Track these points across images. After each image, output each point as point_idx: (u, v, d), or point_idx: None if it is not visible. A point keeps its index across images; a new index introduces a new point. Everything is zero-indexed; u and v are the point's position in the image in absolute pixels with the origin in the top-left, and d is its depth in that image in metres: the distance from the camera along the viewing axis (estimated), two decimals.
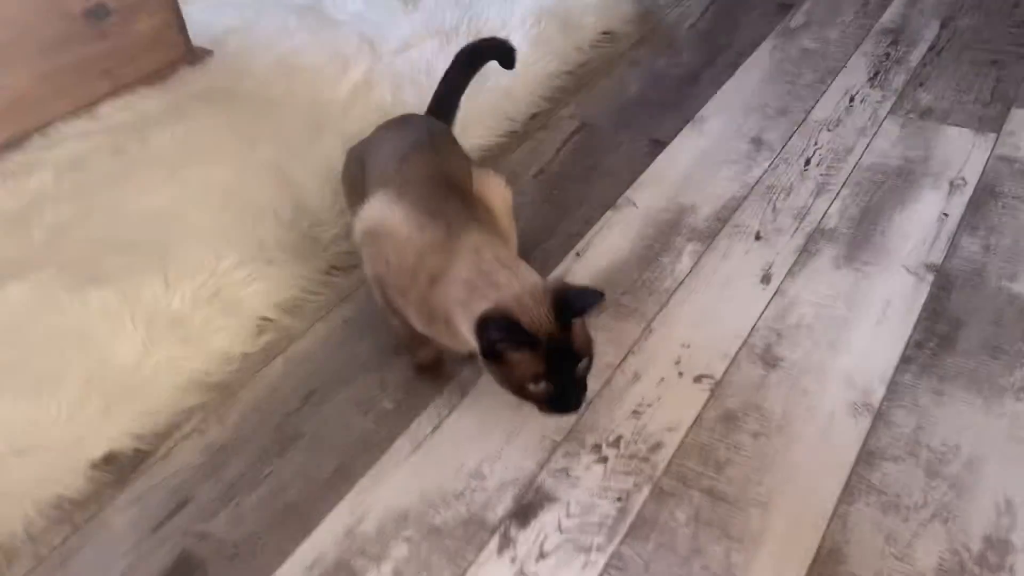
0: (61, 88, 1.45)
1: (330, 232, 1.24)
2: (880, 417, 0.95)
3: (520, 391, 0.86)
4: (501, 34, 1.61)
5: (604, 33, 1.73)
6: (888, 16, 1.73)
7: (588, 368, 0.88)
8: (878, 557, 0.82)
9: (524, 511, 0.90)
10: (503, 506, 0.90)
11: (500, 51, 1.24)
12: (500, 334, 0.83)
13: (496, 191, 1.00)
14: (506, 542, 0.87)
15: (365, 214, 0.97)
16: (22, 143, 1.41)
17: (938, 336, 1.04)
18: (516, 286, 0.85)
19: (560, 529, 0.88)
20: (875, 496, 0.87)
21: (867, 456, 0.91)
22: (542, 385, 0.84)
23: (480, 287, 0.86)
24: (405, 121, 1.13)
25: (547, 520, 0.89)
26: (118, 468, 0.98)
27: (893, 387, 0.98)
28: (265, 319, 1.14)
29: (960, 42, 1.62)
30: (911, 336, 1.04)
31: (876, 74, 1.55)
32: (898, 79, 1.53)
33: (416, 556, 0.87)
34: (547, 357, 0.83)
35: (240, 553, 0.88)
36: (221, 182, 1.29)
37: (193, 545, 0.90)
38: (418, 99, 1.37)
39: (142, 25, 1.55)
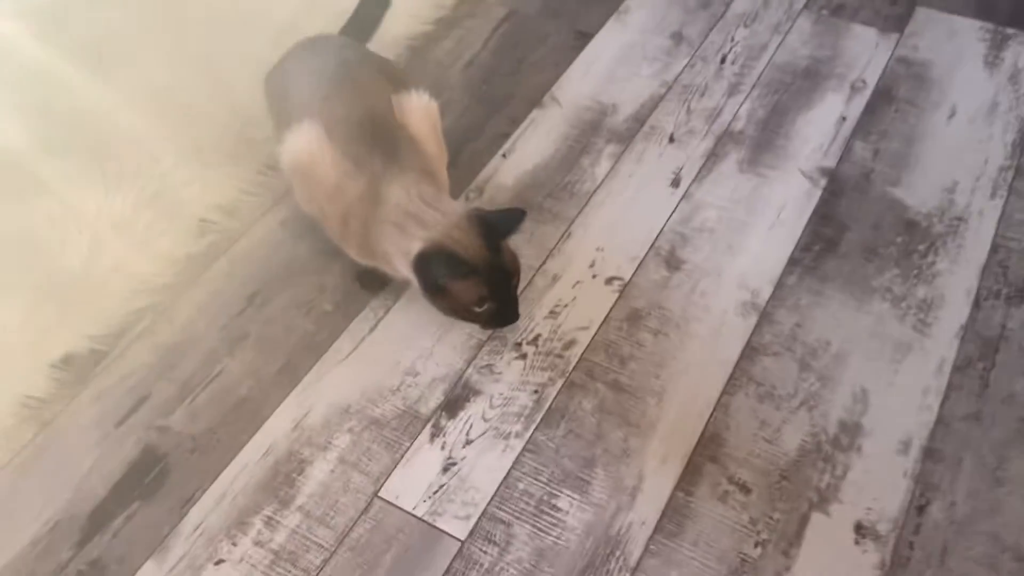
0: None
1: (263, 132, 1.27)
2: (765, 316, 1.09)
3: (465, 315, 0.96)
4: None
5: None
6: None
7: (517, 284, 0.98)
8: (751, 440, 0.98)
9: (453, 404, 1.02)
10: (434, 399, 1.03)
11: None
12: (442, 269, 0.91)
13: (418, 114, 1.05)
14: (437, 431, 1.00)
15: (292, 145, 1.01)
16: None
17: (823, 240, 1.16)
18: (444, 222, 0.93)
19: (484, 419, 1.01)
20: (753, 387, 1.02)
21: (750, 352, 1.05)
22: (486, 306, 0.94)
23: (411, 228, 0.93)
24: (323, 47, 1.12)
25: (473, 411, 1.02)
26: (77, 368, 1.06)
27: (779, 288, 1.11)
28: (205, 220, 1.20)
29: None
30: (799, 239, 1.16)
31: None
32: None
33: (358, 445, 0.99)
34: (487, 280, 0.93)
35: (199, 446, 0.99)
36: (151, 81, 1.30)
37: (155, 439, 1.01)
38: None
39: None
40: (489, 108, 1.36)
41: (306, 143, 1.01)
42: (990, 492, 0.92)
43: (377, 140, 1.00)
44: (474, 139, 1.31)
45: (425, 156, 1.03)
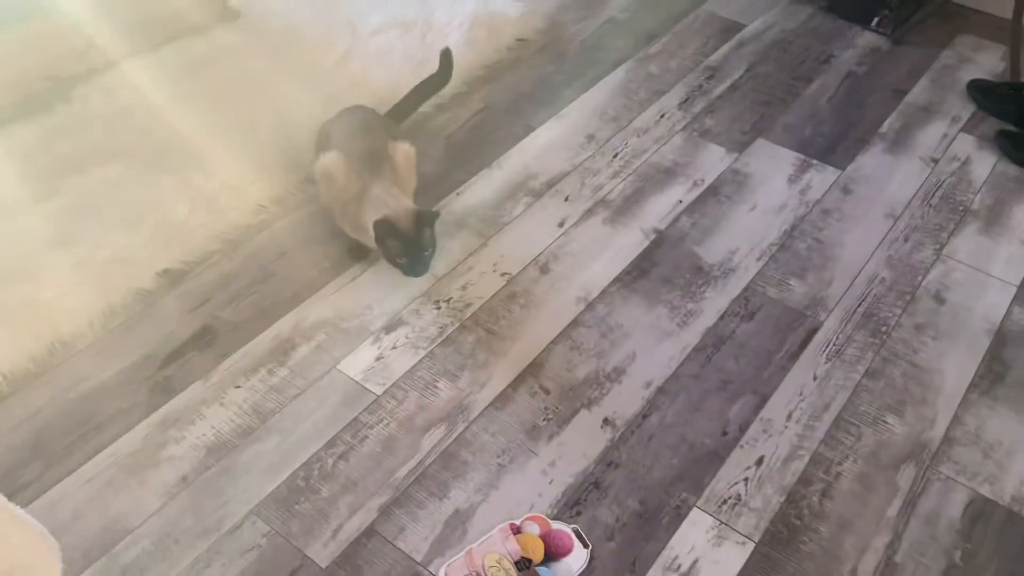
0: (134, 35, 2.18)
1: (306, 157, 2.00)
2: (589, 306, 1.76)
3: (392, 262, 1.65)
4: (445, 31, 2.37)
5: (518, 40, 2.47)
6: (716, 56, 2.47)
7: (431, 255, 1.67)
8: (559, 369, 1.63)
9: (390, 326, 1.70)
10: (380, 323, 1.70)
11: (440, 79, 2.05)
12: (384, 231, 1.62)
13: (401, 153, 1.78)
14: (377, 339, 1.67)
15: (325, 161, 1.74)
16: (107, 69, 2.14)
17: (639, 269, 1.84)
18: (396, 208, 1.64)
19: (406, 337, 1.68)
20: (569, 343, 1.68)
21: (574, 323, 1.72)
22: (403, 260, 1.64)
23: (379, 209, 1.64)
24: (354, 111, 1.86)
25: (401, 333, 1.69)
26: (170, 277, 1.76)
27: (603, 293, 1.78)
28: (262, 206, 1.92)
29: (753, 84, 2.38)
30: (625, 267, 1.84)
31: (686, 100, 2.31)
32: (699, 106, 2.29)
33: (330, 340, 1.67)
34: (407, 246, 1.63)
35: (236, 329, 1.68)
36: (243, 112, 2.04)
37: (210, 322, 1.69)
38: (380, 74, 2.13)
39: None
40: (457, 164, 2.07)
41: (331, 161, 1.73)
42: (689, 415, 1.57)
43: (372, 164, 1.72)
44: (441, 181, 2.02)
45: (400, 176, 1.74)
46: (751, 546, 1.39)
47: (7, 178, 1.86)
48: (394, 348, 1.66)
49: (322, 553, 1.35)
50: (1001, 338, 1.73)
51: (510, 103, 2.27)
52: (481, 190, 2.01)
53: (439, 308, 1.74)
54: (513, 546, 1.36)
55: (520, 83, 2.34)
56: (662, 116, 2.25)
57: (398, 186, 1.73)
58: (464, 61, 2.32)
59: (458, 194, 2.00)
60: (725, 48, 2.51)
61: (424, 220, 1.65)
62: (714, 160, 2.12)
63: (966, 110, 2.30)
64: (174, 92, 2.10)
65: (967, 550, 1.40)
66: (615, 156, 2.12)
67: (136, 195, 1.84)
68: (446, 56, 2.04)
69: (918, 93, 2.36)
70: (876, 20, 2.56)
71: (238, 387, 1.58)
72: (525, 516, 1.41)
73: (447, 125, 2.19)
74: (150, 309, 1.71)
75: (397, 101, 2.01)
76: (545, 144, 2.15)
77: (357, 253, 1.82)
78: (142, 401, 1.55)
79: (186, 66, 2.18)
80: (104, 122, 2.00)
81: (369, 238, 1.68)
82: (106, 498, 1.41)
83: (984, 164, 2.14)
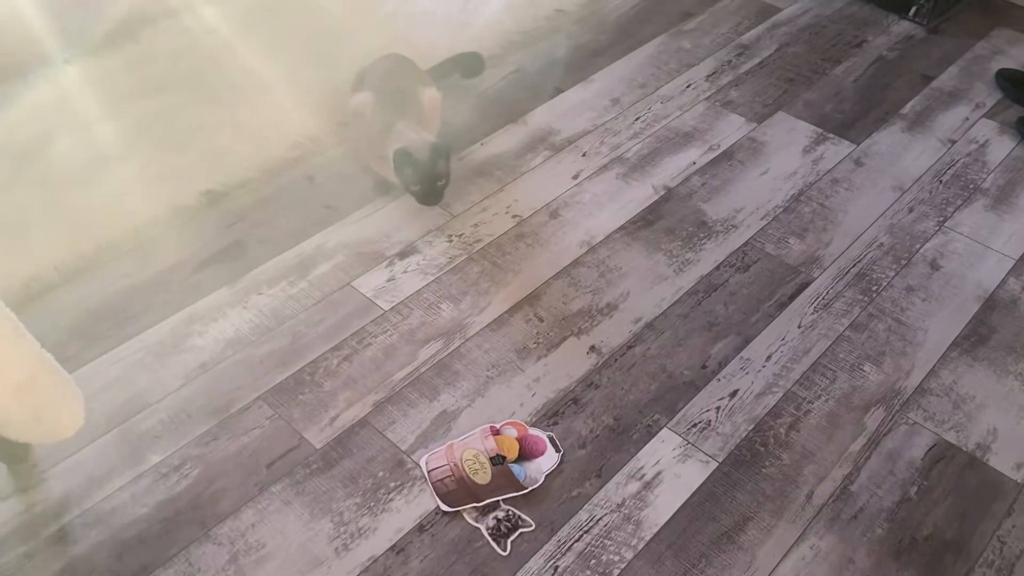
0: None
1: (344, 102, 2.16)
2: (591, 249, 1.86)
3: (408, 189, 1.79)
4: (487, 0, 2.50)
5: (557, 10, 2.59)
6: (749, 36, 2.55)
7: (445, 185, 1.80)
8: (555, 301, 1.74)
9: (404, 253, 1.83)
10: (394, 250, 1.84)
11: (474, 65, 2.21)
12: (401, 160, 1.75)
13: (427, 97, 1.91)
14: (391, 263, 1.81)
15: (357, 100, 1.89)
16: (174, 14, 2.33)
17: (644, 221, 1.93)
18: (416, 142, 1.77)
19: (418, 264, 1.81)
20: (568, 279, 1.79)
21: (574, 263, 1.82)
22: (417, 187, 1.77)
23: (400, 141, 1.78)
24: (389, 57, 2.00)
25: (413, 259, 1.82)
26: (212, 197, 1.93)
27: (607, 239, 1.89)
28: (299, 142, 2.07)
29: (781, 62, 2.45)
30: (631, 218, 1.94)
31: (714, 73, 2.39)
32: (725, 79, 2.37)
33: (348, 261, 1.81)
34: (421, 174, 1.76)
35: (264, 243, 1.84)
36: (292, 59, 2.21)
37: (243, 238, 1.85)
38: (421, 34, 2.27)
39: None
40: (483, 118, 2.20)
41: (362, 99, 1.88)
42: (673, 348, 1.66)
43: (399, 103, 1.86)
44: (468, 132, 2.15)
45: (425, 116, 1.88)
46: (714, 465, 1.48)
47: (78, 101, 2.05)
48: (405, 272, 1.79)
49: (318, 436, 1.49)
50: (991, 304, 1.77)
51: (542, 67, 2.39)
52: (504, 142, 2.13)
53: (451, 241, 1.87)
54: (491, 444, 1.48)
55: (554, 50, 2.45)
56: (688, 86, 2.34)
57: (421, 125, 1.86)
58: (501, 26, 2.46)
59: (482, 144, 2.12)
60: (759, 29, 2.58)
61: (439, 152, 1.78)
62: (732, 128, 2.20)
63: (992, 97, 2.33)
64: (232, 37, 2.28)
65: (923, 487, 1.46)
66: (636, 119, 2.22)
67: (188, 123, 2.02)
68: (477, 58, 2.26)
69: (945, 79, 2.39)
70: (913, 9, 2.60)
71: (260, 294, 1.73)
72: (505, 421, 1.52)
73: (479, 83, 2.31)
74: (190, 223, 1.87)
75: (432, 66, 2.14)
76: (571, 105, 2.26)
77: (382, 187, 1.95)
78: (173, 299, 1.71)
79: (245, 15, 2.35)
80: (166, 60, 2.18)
81: (390, 170, 1.81)
82: (132, 376, 1.57)
83: (1002, 148, 2.17)
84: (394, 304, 1.72)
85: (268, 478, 1.43)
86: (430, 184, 1.79)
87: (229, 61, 2.20)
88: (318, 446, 1.48)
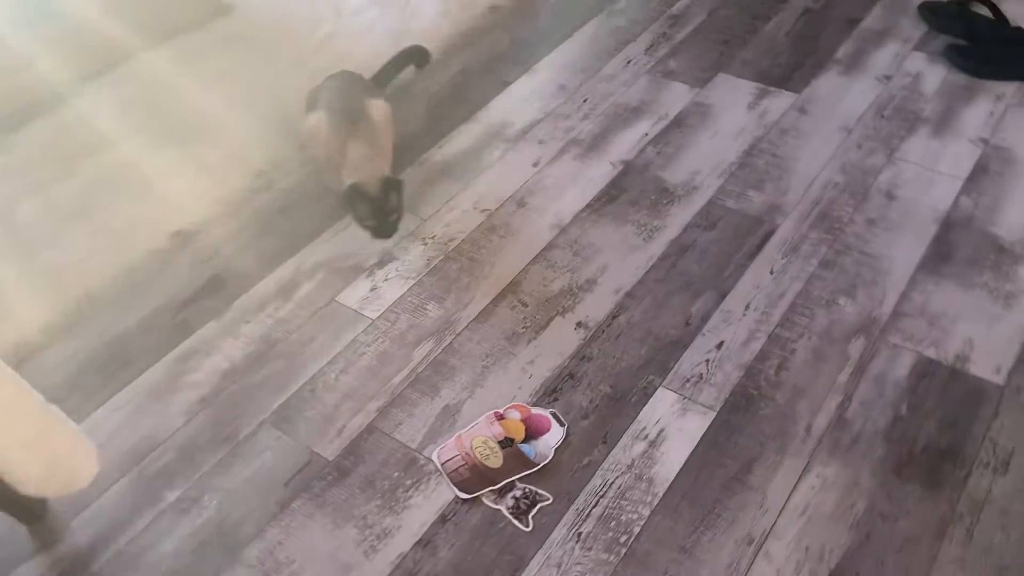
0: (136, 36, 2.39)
1: (299, 125, 2.18)
2: (563, 231, 1.91)
3: (362, 225, 1.81)
4: (421, 5, 2.54)
5: (491, 7, 2.64)
6: (678, 6, 2.61)
7: (398, 219, 1.82)
8: (536, 285, 1.79)
9: (382, 263, 1.87)
10: (371, 260, 1.87)
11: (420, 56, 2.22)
12: (354, 195, 1.77)
13: (376, 109, 1.94)
14: (370, 274, 1.84)
15: (311, 121, 1.92)
16: (114, 67, 2.35)
17: (608, 197, 1.99)
18: (366, 174, 1.79)
19: (397, 271, 1.85)
20: (545, 263, 1.84)
21: (548, 247, 1.87)
22: (371, 223, 1.80)
23: (352, 174, 1.80)
24: (338, 75, 2.02)
25: (391, 267, 1.86)
26: (183, 237, 1.95)
27: (575, 219, 1.94)
28: (261, 171, 2.10)
29: (714, 26, 2.52)
30: (595, 196, 1.99)
31: (651, 46, 2.46)
32: (663, 50, 2.44)
33: (330, 278, 1.84)
34: (374, 210, 1.78)
35: (244, 275, 1.86)
36: (241, 93, 2.23)
37: (220, 272, 1.87)
38: (362, 49, 2.30)
39: None
40: (436, 121, 2.24)
41: (315, 120, 1.91)
42: (655, 312, 1.72)
43: (351, 120, 1.89)
44: (423, 137, 2.19)
45: (377, 131, 1.91)
46: (712, 414, 1.53)
47: (31, 166, 2.06)
48: (386, 280, 1.83)
49: (328, 448, 1.52)
50: (948, 224, 1.85)
51: (486, 64, 2.43)
52: (461, 141, 2.17)
53: (425, 243, 1.91)
54: (497, 429, 1.52)
55: (495, 45, 2.50)
56: (628, 62, 2.40)
57: (375, 142, 1.89)
58: (440, 31, 2.50)
59: (439, 147, 2.16)
60: None
61: (390, 186, 1.81)
62: (677, 96, 2.27)
63: (918, 31, 2.42)
64: (176, 81, 2.30)
65: (913, 403, 1.53)
66: (585, 101, 2.27)
67: (147, 170, 2.04)
68: (419, 48, 2.31)
69: (872, 21, 2.48)
70: None
71: (248, 322, 1.76)
72: (507, 405, 1.56)
73: (427, 88, 2.36)
74: (165, 265, 1.89)
75: (377, 70, 2.18)
76: (520, 97, 2.31)
77: (346, 203, 1.98)
78: (163, 341, 1.73)
79: (186, 57, 2.37)
80: (113, 111, 2.20)
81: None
82: (136, 420, 1.59)
83: (935, 77, 2.26)
84: (381, 312, 1.76)
85: (287, 496, 1.46)
86: (383, 219, 1.83)
87: (177, 105, 2.22)
88: (330, 458, 1.51)
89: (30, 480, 1.26)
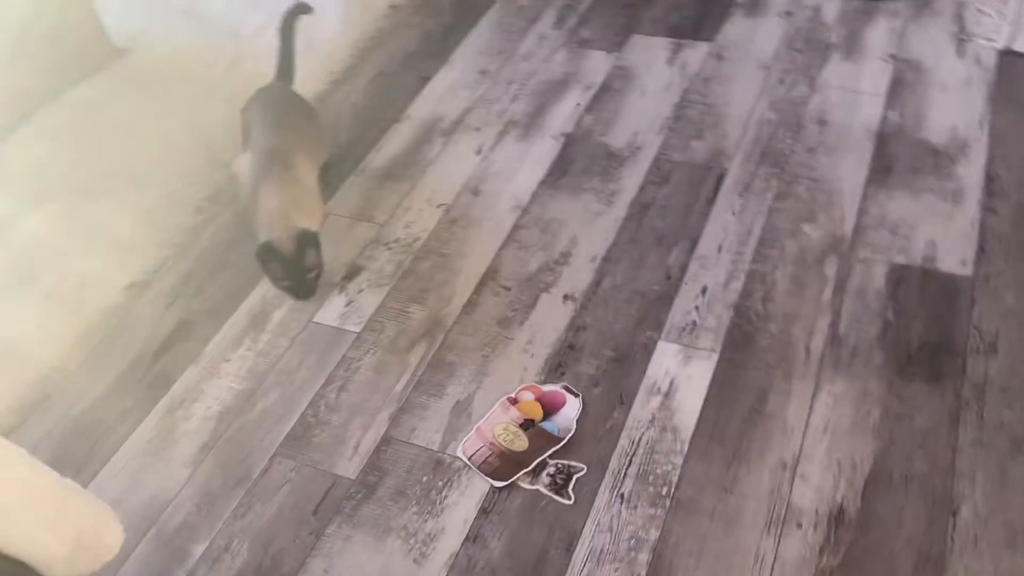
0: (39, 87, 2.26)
1: (226, 155, 2.11)
2: (525, 211, 1.91)
3: (276, 285, 1.65)
4: (320, 15, 2.49)
5: (391, 6, 2.61)
6: None
7: (317, 276, 1.65)
8: (512, 267, 1.79)
9: (350, 275, 1.82)
10: (339, 275, 1.83)
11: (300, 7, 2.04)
12: (267, 255, 1.60)
13: (302, 163, 1.76)
14: (342, 288, 1.80)
15: (238, 167, 1.83)
16: (18, 126, 2.22)
17: (560, 169, 2.00)
18: (280, 231, 1.62)
19: (368, 281, 1.81)
20: (516, 245, 1.84)
21: (515, 228, 1.87)
22: (287, 283, 1.63)
23: (265, 228, 1.64)
24: (268, 97, 1.89)
25: (362, 277, 1.82)
26: (137, 288, 1.86)
27: (533, 197, 1.94)
28: (199, 207, 2.02)
29: None
30: (547, 170, 2.00)
31: (559, 20, 2.48)
32: (571, 22, 2.47)
33: (298, 302, 1.79)
34: (289, 270, 1.62)
35: (211, 314, 1.79)
36: (158, 131, 2.14)
37: (186, 315, 1.80)
38: (271, 66, 2.24)
39: (79, 38, 2.35)
40: (367, 127, 2.20)
41: (239, 164, 1.84)
42: (635, 272, 1.74)
43: (267, 169, 1.71)
44: (357, 144, 2.15)
45: (295, 183, 1.71)
46: (715, 356, 1.57)
47: None
48: (360, 292, 1.79)
49: (349, 468, 1.49)
50: (882, 139, 1.94)
51: (401, 63, 2.41)
52: (397, 142, 2.15)
53: (390, 248, 1.88)
54: (515, 414, 1.51)
55: (405, 44, 2.48)
56: (541, 39, 2.42)
57: (292, 192, 1.70)
58: (346, 37, 2.46)
59: (377, 151, 2.13)
60: None
61: (306, 241, 1.62)
62: (598, 63, 2.30)
63: None
64: (87, 130, 2.19)
65: (896, 308, 1.60)
66: (510, 83, 2.28)
67: (81, 226, 1.93)
68: (299, 7, 2.06)
69: None
70: None
71: (228, 360, 1.70)
72: (518, 388, 1.56)
73: (348, 96, 2.32)
74: (126, 320, 1.80)
75: (277, 62, 2.01)
76: (444, 90, 2.29)
77: None
78: (144, 396, 1.65)
79: (91, 105, 2.26)
80: (30, 171, 2.08)
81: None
82: (138, 482, 1.51)
83: (832, 5, 2.36)
84: (364, 324, 1.72)
85: (319, 524, 1.42)
86: (300, 278, 1.64)
87: (94, 155, 2.12)
88: (353, 476, 1.47)
89: (57, 562, 1.18)
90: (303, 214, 1.69)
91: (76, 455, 1.57)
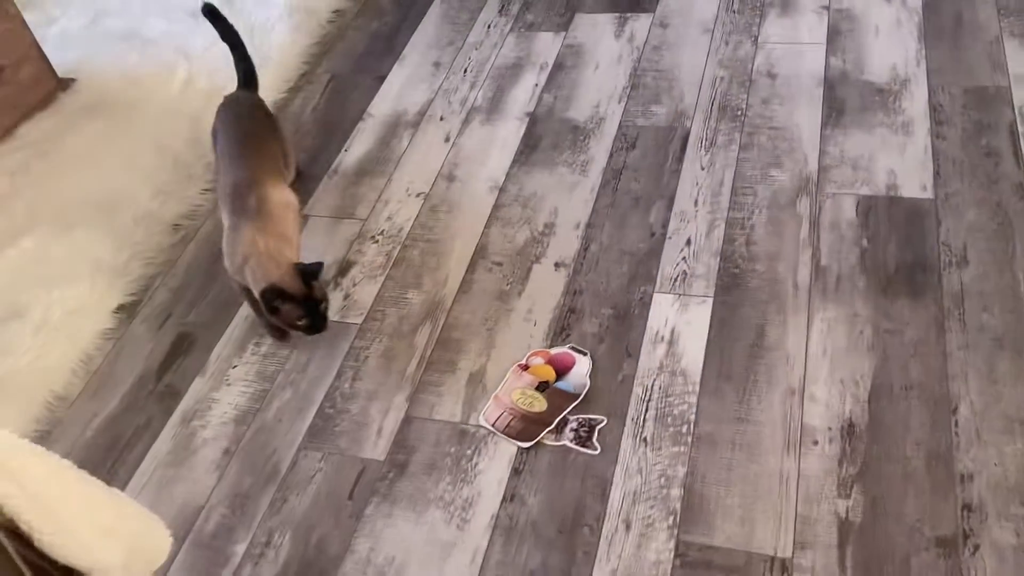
0: None
1: (196, 170, 2.11)
2: (503, 190, 1.97)
3: (290, 326, 1.58)
4: (267, 25, 2.51)
5: (334, 11, 2.63)
6: None
7: (327, 307, 1.58)
8: (500, 244, 1.84)
9: (342, 271, 1.85)
10: (331, 272, 1.85)
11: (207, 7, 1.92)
12: (276, 299, 1.52)
13: (281, 202, 1.66)
14: (336, 284, 1.83)
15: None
16: None
17: (530, 145, 2.06)
18: (278, 271, 1.54)
19: (362, 274, 1.84)
20: (500, 222, 1.89)
21: (496, 207, 1.92)
22: (303, 321, 1.56)
23: (261, 274, 1.55)
24: (233, 110, 1.84)
25: (354, 272, 1.84)
26: (128, 310, 1.85)
27: (508, 177, 2.00)
28: (176, 225, 2.02)
29: None
30: (516, 151, 2.06)
31: (503, 7, 2.54)
32: (515, 8, 2.53)
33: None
34: (302, 306, 1.55)
35: (208, 326, 1.80)
36: (121, 154, 2.13)
37: (183, 330, 1.80)
38: (225, 79, 2.25)
39: (24, 73, 2.32)
40: (331, 129, 2.23)
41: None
42: (620, 233, 1.81)
43: (246, 208, 1.61)
44: (325, 148, 2.18)
45: (273, 217, 1.61)
46: (710, 301, 1.64)
47: None
48: (355, 285, 1.82)
49: (376, 451, 1.52)
50: (829, 84, 2.05)
51: (354, 64, 2.44)
52: (365, 140, 2.18)
53: (377, 241, 1.91)
54: (529, 378, 1.56)
55: (354, 46, 2.51)
56: (489, 27, 2.47)
57: (275, 228, 1.61)
58: (296, 45, 2.48)
59: (346, 151, 2.16)
60: None
61: (311, 274, 1.55)
62: (547, 44, 2.37)
63: None
64: (45, 162, 2.17)
65: (870, 235, 1.70)
66: (465, 71, 2.33)
67: (59, 255, 1.92)
68: (211, 9, 1.93)
69: None
70: None
71: (235, 367, 1.71)
72: (527, 355, 1.61)
73: (307, 101, 2.34)
74: (124, 342, 1.80)
75: (237, 78, 1.96)
76: (400, 85, 2.33)
77: None
78: (156, 410, 1.65)
79: (46, 137, 2.24)
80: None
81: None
82: (165, 493, 1.52)
83: None
84: (364, 315, 1.75)
85: (357, 506, 1.45)
86: (315, 313, 1.57)
87: (58, 185, 2.10)
88: (382, 458, 1.50)
89: (115, 569, 1.19)
90: (288, 246, 1.61)
91: (98, 474, 1.56)
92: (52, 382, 1.70)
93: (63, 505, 1.11)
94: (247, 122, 1.83)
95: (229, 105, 1.91)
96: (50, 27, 2.68)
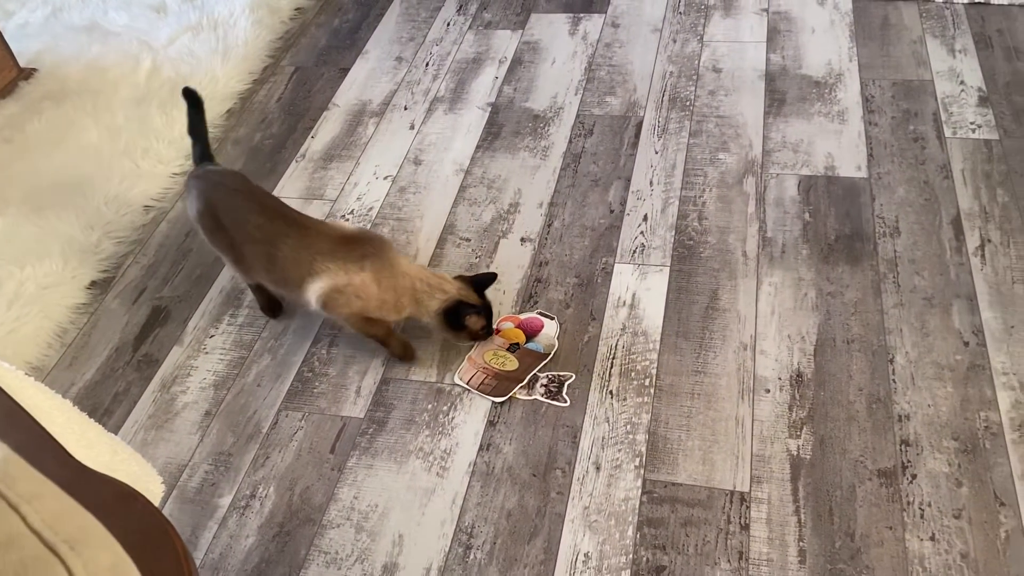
0: None
1: (166, 152, 2.16)
2: (468, 173, 2.06)
3: (472, 337, 1.58)
4: (230, 20, 2.57)
5: (296, 8, 2.71)
6: None
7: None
8: (467, 220, 1.93)
9: None
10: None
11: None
12: (460, 313, 1.53)
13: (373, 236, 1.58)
14: None
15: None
16: None
17: (492, 133, 2.16)
18: (455, 287, 1.55)
19: None
20: (467, 202, 1.98)
21: (462, 189, 2.01)
22: (484, 329, 1.60)
23: (439, 295, 1.53)
24: (228, 187, 1.60)
25: None
26: (100, 286, 1.88)
27: (473, 161, 2.09)
28: (146, 206, 2.06)
29: None
30: (480, 137, 2.16)
31: (461, 6, 2.65)
32: (473, 7, 2.64)
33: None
34: (486, 313, 1.58)
35: (183, 299, 1.84)
36: (88, 139, 2.16)
37: (158, 303, 1.84)
38: (194, 69, 2.30)
39: None
40: (296, 117, 2.30)
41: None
42: (581, 211, 1.92)
43: (348, 254, 1.51)
44: (292, 133, 2.24)
45: (390, 248, 1.55)
46: (666, 269, 1.76)
47: None
48: None
49: (355, 409, 1.58)
50: (770, 77, 2.20)
51: (317, 57, 2.51)
52: (331, 127, 2.25)
53: (347, 219, 1.98)
54: (500, 341, 1.65)
55: (316, 41, 2.58)
56: (448, 24, 2.57)
57: (392, 272, 1.55)
58: (259, 41, 2.54)
59: (313, 137, 2.23)
60: None
61: (484, 285, 1.60)
62: (505, 41, 2.48)
63: None
64: (9, 148, 2.18)
65: (811, 210, 1.84)
66: (427, 65, 2.43)
67: (30, 234, 1.94)
68: (190, 93, 1.70)
69: None
70: None
71: (211, 336, 1.76)
72: (497, 320, 1.70)
73: (271, 93, 2.40)
74: (98, 317, 1.83)
75: (192, 145, 1.71)
76: (364, 77, 2.42)
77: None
78: (134, 378, 1.69)
79: (9, 124, 2.25)
80: None
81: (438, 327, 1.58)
82: (149, 454, 1.56)
83: None
84: None
85: (339, 459, 1.51)
86: (491, 317, 1.61)
87: (23, 171, 2.12)
88: (361, 415, 1.57)
89: None
90: (420, 266, 1.63)
91: None
92: (27, 353, 1.73)
93: (66, 438, 1.15)
94: (250, 188, 1.63)
95: (215, 182, 1.63)
96: (8, 20, 2.69)
